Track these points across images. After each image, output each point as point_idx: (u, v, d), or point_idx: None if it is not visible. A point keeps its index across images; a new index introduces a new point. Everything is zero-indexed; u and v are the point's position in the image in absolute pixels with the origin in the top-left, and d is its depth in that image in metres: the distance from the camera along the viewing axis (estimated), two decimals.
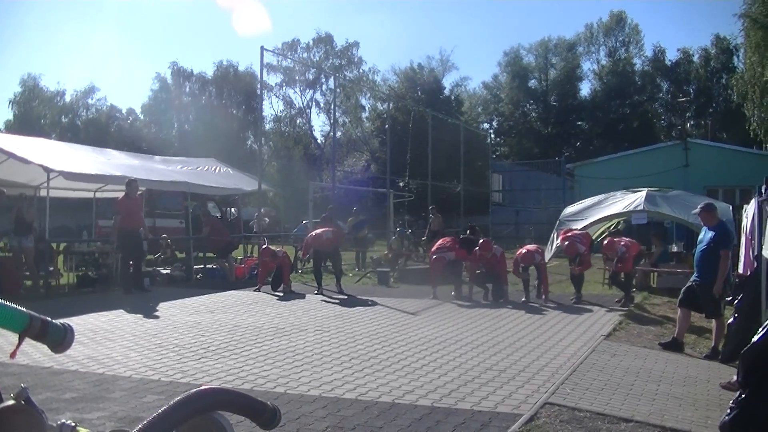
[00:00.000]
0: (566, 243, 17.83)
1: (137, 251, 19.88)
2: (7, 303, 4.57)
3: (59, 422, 5.55)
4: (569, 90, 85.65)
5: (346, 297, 18.42)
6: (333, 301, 17.70)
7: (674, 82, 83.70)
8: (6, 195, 18.96)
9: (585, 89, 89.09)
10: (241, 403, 5.49)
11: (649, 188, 21.98)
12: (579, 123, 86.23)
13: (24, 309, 4.69)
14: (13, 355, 4.96)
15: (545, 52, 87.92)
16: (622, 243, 17.83)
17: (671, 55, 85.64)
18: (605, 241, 18.49)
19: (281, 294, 19.07)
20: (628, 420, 7.40)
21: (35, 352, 10.19)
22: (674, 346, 11.92)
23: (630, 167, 38.83)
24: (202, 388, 5.21)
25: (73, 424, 5.58)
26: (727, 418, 6.69)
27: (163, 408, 4.77)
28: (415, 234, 35.35)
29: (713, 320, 12.03)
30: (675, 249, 24.46)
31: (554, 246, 20.65)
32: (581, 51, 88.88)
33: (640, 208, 20.40)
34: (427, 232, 31.84)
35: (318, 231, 19.97)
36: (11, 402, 5.18)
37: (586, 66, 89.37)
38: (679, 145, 41.33)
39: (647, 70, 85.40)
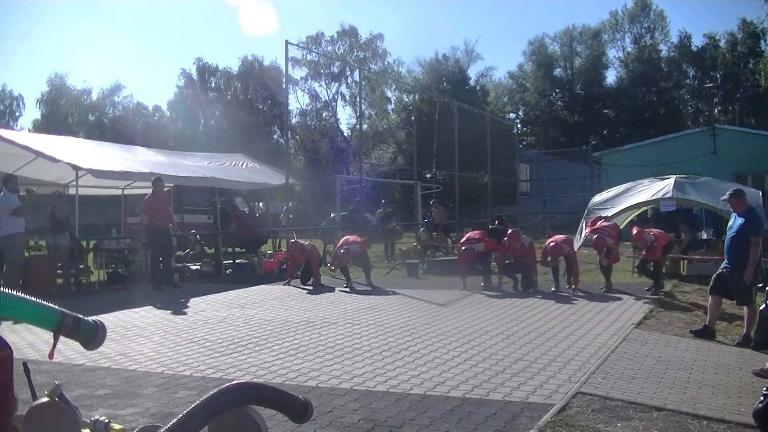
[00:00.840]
0: (594, 237, 17.71)
1: (166, 248, 19.97)
2: (40, 301, 4.61)
3: (93, 419, 5.58)
4: (595, 78, 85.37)
5: (374, 289, 18.42)
6: (362, 294, 17.70)
7: (701, 68, 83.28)
8: (35, 193, 19.08)
9: (611, 77, 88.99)
10: (272, 397, 5.49)
11: (677, 175, 21.86)
12: (605, 111, 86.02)
13: (56, 306, 4.73)
14: (51, 355, 5.00)
15: (570, 41, 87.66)
16: (652, 233, 17.72)
17: (697, 41, 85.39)
18: (635, 231, 18.37)
19: (310, 288, 19.10)
20: (660, 409, 7.38)
21: (68, 350, 10.24)
22: (705, 333, 11.87)
23: (657, 155, 38.60)
24: (234, 382, 5.22)
25: (106, 421, 5.62)
26: (760, 405, 6.66)
27: (195, 403, 4.79)
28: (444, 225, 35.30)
29: (744, 307, 11.97)
30: (704, 236, 24.34)
31: (583, 235, 20.57)
32: (606, 38, 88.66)
33: (669, 195, 20.29)
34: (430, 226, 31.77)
35: (346, 246, 19.74)
36: (46, 399, 5.22)
37: (612, 53, 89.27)
38: (707, 132, 41.04)
39: (673, 56, 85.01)
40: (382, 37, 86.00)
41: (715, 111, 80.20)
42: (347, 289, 18.56)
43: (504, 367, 9.19)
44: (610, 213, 20.61)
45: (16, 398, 4.83)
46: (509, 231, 19.07)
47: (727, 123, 59.70)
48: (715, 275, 12.38)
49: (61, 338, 4.81)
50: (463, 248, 18.55)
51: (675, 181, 20.82)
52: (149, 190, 20.16)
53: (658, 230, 18.41)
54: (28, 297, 4.54)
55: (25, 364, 5.40)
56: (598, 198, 22.93)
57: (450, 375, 8.78)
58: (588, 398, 7.70)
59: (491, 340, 11.10)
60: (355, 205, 30.24)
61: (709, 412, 7.35)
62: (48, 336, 4.19)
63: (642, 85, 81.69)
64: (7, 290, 4.46)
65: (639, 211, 22.94)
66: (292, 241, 21.10)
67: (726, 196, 12.29)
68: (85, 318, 4.92)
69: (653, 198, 20.82)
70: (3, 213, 17.56)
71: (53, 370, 9.21)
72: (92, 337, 4.95)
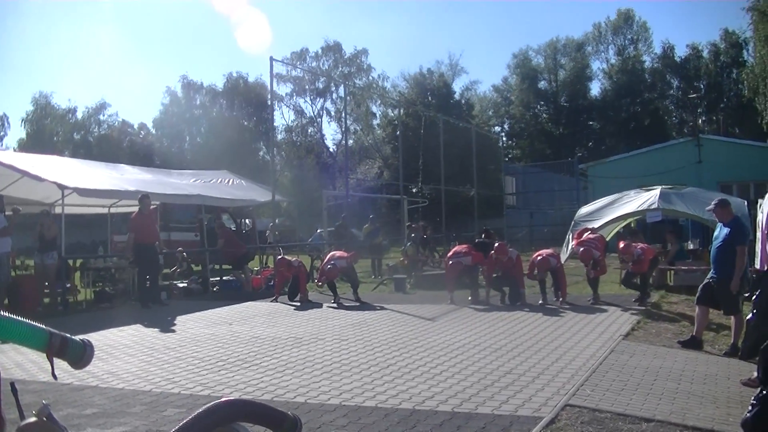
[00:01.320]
0: (581, 249, 17.74)
1: (153, 265, 19.94)
2: (27, 321, 4.61)
3: None
4: (579, 90, 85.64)
5: (362, 305, 18.42)
6: (350, 309, 17.70)
7: (684, 79, 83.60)
8: (21, 213, 19.04)
9: (595, 89, 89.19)
10: (261, 414, 5.50)
11: (663, 186, 21.91)
12: (590, 123, 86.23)
13: (43, 326, 4.73)
14: (54, 375, 5.00)
15: (554, 53, 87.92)
16: (639, 247, 17.78)
17: (680, 51, 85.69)
18: (622, 245, 18.37)
19: (298, 304, 19.08)
20: (650, 420, 7.39)
21: (55, 369, 10.20)
22: (693, 344, 11.89)
23: (643, 165, 38.76)
24: (223, 399, 5.23)
25: None
26: (748, 414, 6.67)
27: (184, 421, 4.79)
28: (430, 239, 35.27)
29: (732, 317, 11.99)
30: (691, 246, 24.39)
31: (570, 248, 20.60)
32: (590, 50, 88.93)
33: (655, 206, 20.33)
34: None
35: (333, 261, 19.66)
36: (33, 419, 5.21)
37: (596, 65, 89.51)
38: (692, 142, 41.19)
39: (657, 67, 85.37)
40: (367, 53, 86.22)
41: (700, 121, 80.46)
42: (335, 305, 18.54)
43: (493, 380, 9.20)
44: (596, 224, 20.65)
45: (3, 418, 4.82)
46: (496, 244, 19.02)
47: (712, 133, 59.96)
48: (702, 285, 12.41)
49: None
50: (450, 262, 18.60)
51: (661, 192, 20.86)
52: (136, 209, 20.17)
53: (645, 244, 18.54)
54: (15, 317, 4.54)
55: (12, 384, 5.39)
56: (584, 210, 22.97)
57: (439, 389, 8.79)
58: (577, 410, 7.71)
59: (479, 354, 11.11)
60: (341, 221, 30.28)
61: (698, 422, 7.37)
62: (36, 356, 4.20)
63: (626, 96, 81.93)
64: None
65: (624, 223, 22.99)
66: (279, 257, 21.11)
67: (711, 206, 12.33)
68: (73, 337, 4.92)
69: (639, 209, 20.87)
70: None
71: (41, 390, 9.20)
72: (80, 356, 4.95)
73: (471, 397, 8.35)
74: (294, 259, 21.25)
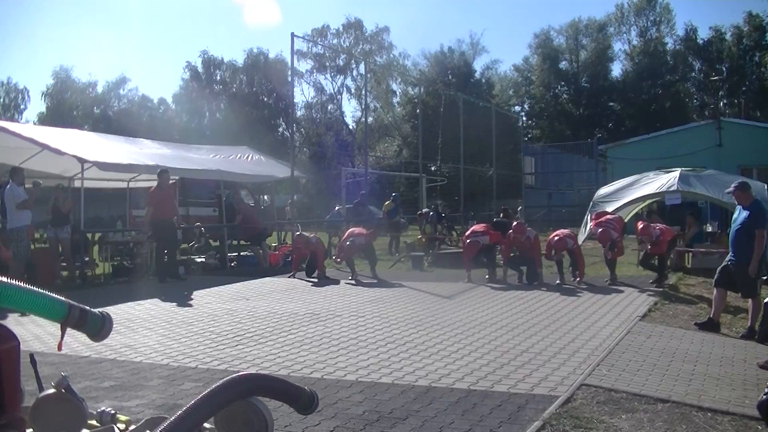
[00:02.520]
0: (600, 230, 17.68)
1: (171, 240, 19.98)
2: (47, 293, 4.63)
3: (99, 410, 5.62)
4: (600, 71, 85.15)
5: (380, 282, 18.44)
6: (367, 286, 17.71)
7: (706, 61, 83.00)
8: (42, 186, 19.10)
9: (616, 70, 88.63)
10: (278, 389, 5.52)
11: (683, 168, 21.82)
12: (611, 104, 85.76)
13: (63, 298, 4.75)
14: (60, 346, 5.03)
15: (576, 34, 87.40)
16: (657, 228, 17.72)
17: (703, 34, 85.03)
18: (641, 225, 18.27)
19: (315, 280, 19.09)
20: (665, 401, 7.39)
21: (73, 342, 10.23)
22: (710, 326, 11.88)
23: (662, 148, 38.55)
24: (240, 374, 5.25)
25: (112, 412, 5.66)
26: (764, 397, 6.67)
27: (201, 394, 4.81)
28: (448, 218, 35.18)
29: (749, 300, 11.98)
30: (709, 229, 24.30)
31: (588, 228, 20.55)
32: (612, 31, 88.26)
33: (674, 188, 20.25)
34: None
35: (351, 238, 19.63)
36: (52, 390, 5.25)
37: (617, 47, 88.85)
38: (712, 125, 40.93)
39: (679, 49, 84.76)
40: (388, 30, 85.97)
41: (721, 104, 79.96)
42: (352, 282, 18.52)
43: (509, 359, 9.21)
44: (615, 206, 20.60)
45: (22, 390, 4.85)
46: (514, 223, 19.08)
47: (733, 116, 59.71)
48: (720, 268, 12.39)
49: (68, 330, 4.84)
50: (468, 241, 18.58)
51: (680, 174, 20.77)
52: (155, 183, 20.19)
53: (664, 225, 18.41)
54: (35, 289, 4.57)
55: (32, 356, 5.43)
56: (603, 191, 22.90)
57: (455, 367, 8.80)
58: (593, 390, 7.71)
59: (496, 332, 11.12)
60: (360, 198, 30.26)
61: (714, 404, 7.37)
62: (54, 328, 4.22)
63: (648, 79, 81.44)
64: (14, 282, 4.48)
65: (643, 204, 22.93)
66: (297, 233, 21.09)
67: (731, 188, 12.29)
68: (92, 310, 4.94)
69: (659, 191, 20.79)
70: (10, 206, 17.59)
71: (59, 362, 9.23)
72: (99, 328, 4.98)
73: (487, 375, 8.36)
74: (312, 235, 21.25)
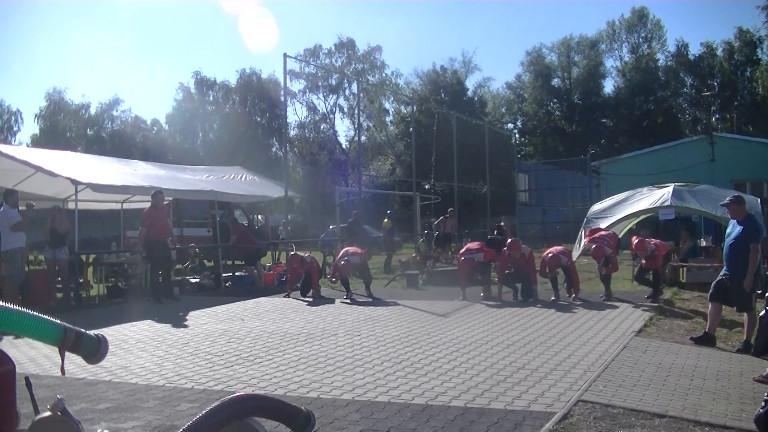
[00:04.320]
0: (594, 246, 17.71)
1: (165, 260, 19.97)
2: (43, 316, 4.63)
3: None
4: (593, 88, 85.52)
5: (374, 300, 18.42)
6: (362, 305, 17.70)
7: (698, 77, 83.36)
8: (35, 208, 19.08)
9: (608, 86, 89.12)
10: (275, 409, 5.51)
11: (676, 183, 21.87)
12: (603, 120, 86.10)
13: (58, 321, 4.75)
14: (62, 370, 5.02)
15: (568, 51, 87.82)
16: (653, 242, 17.79)
17: (694, 50, 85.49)
18: (635, 241, 18.29)
19: (311, 299, 19.09)
20: (662, 415, 7.40)
21: (69, 364, 10.15)
22: (706, 340, 11.89)
23: (656, 163, 38.74)
24: (237, 394, 5.24)
25: None
26: (761, 411, 6.66)
27: (198, 415, 4.81)
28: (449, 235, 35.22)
29: (744, 314, 11.99)
30: (704, 243, 24.38)
31: (582, 245, 20.57)
32: (604, 48, 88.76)
33: (668, 203, 20.29)
34: (440, 233, 31.65)
35: (346, 257, 19.82)
36: (48, 413, 5.24)
37: (609, 63, 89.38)
38: (705, 140, 41.10)
39: (671, 65, 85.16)
40: (380, 49, 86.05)
41: (713, 119, 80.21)
42: (347, 301, 18.53)
43: (505, 376, 9.21)
44: (609, 222, 20.64)
45: (18, 413, 4.84)
46: (509, 240, 19.08)
47: (725, 131, 59.87)
48: (714, 282, 12.41)
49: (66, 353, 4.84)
50: (463, 258, 18.57)
51: (674, 189, 20.82)
52: (148, 204, 20.20)
53: (658, 240, 18.53)
54: (30, 312, 4.57)
55: (27, 379, 5.41)
56: (597, 207, 22.93)
57: (451, 385, 8.80)
58: (590, 406, 7.72)
59: (492, 350, 11.12)
60: (353, 217, 30.27)
61: (711, 418, 7.37)
62: (49, 350, 4.22)
63: (640, 94, 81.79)
64: (9, 305, 4.47)
65: (638, 220, 22.96)
66: (292, 253, 21.09)
67: (726, 201, 12.32)
68: (88, 332, 4.94)
69: (652, 206, 20.83)
70: (4, 228, 17.59)
71: (54, 385, 9.23)
72: (95, 351, 4.98)
73: (484, 393, 8.36)
74: (306, 255, 21.26)
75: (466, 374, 9.38)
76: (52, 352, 4.70)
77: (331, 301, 18.70)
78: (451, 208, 33.18)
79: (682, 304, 16.63)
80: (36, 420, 5.42)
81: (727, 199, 12.43)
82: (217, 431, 5.08)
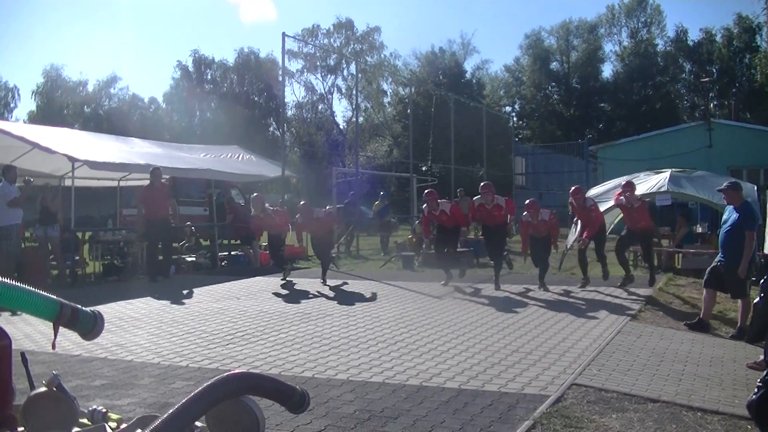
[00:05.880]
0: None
1: (165, 239, 19.95)
2: (40, 291, 4.64)
3: (90, 408, 5.63)
4: (591, 72, 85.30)
5: (370, 281, 18.37)
6: (358, 286, 17.67)
7: (697, 63, 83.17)
8: (32, 184, 19.04)
9: (607, 71, 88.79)
10: (270, 388, 5.53)
11: (673, 169, 21.86)
12: (601, 105, 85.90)
13: (55, 297, 4.76)
14: (53, 345, 5.04)
15: (566, 35, 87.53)
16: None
17: (693, 35, 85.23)
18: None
19: (305, 279, 19.05)
20: (655, 400, 7.43)
21: (64, 340, 10.20)
22: (700, 326, 11.92)
23: (653, 148, 38.68)
24: (231, 372, 5.26)
25: (104, 410, 5.66)
26: (754, 397, 6.68)
27: (193, 393, 4.81)
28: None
29: (739, 300, 12.02)
30: (699, 230, 24.39)
31: (577, 229, 20.50)
32: (603, 33, 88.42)
33: (664, 189, 20.28)
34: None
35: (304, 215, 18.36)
36: (44, 389, 5.26)
37: (608, 48, 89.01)
38: (703, 126, 41.02)
39: (669, 50, 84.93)
40: (379, 30, 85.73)
41: (711, 105, 79.95)
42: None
43: (499, 358, 9.24)
44: (605, 206, 20.62)
45: (14, 388, 4.85)
46: (526, 202, 16.65)
47: (723, 117, 59.74)
48: (709, 268, 12.43)
49: (60, 329, 4.85)
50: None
51: (670, 175, 20.79)
52: (146, 182, 20.16)
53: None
54: (27, 287, 4.58)
55: (23, 354, 5.43)
56: (594, 191, 22.83)
57: (446, 366, 8.83)
58: (583, 390, 7.74)
59: (486, 332, 11.15)
60: (350, 198, 30.26)
61: (704, 403, 7.41)
62: (44, 327, 4.24)
63: (638, 80, 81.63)
64: (6, 280, 4.48)
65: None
66: (256, 195, 20.36)
67: (724, 186, 12.32)
68: (84, 308, 4.95)
69: (649, 191, 20.81)
70: (1, 204, 17.57)
71: (50, 361, 9.24)
72: (90, 327, 4.99)
73: (478, 375, 8.38)
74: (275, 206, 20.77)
75: (460, 356, 9.41)
76: (48, 328, 4.71)
77: (326, 281, 18.67)
78: (461, 188, 33.03)
79: (676, 290, 16.61)
80: (31, 395, 5.43)
81: (724, 184, 12.43)
82: (211, 409, 5.10)
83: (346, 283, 17.87)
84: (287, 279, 18.47)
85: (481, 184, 17.49)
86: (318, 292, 16.62)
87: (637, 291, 15.68)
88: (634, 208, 16.49)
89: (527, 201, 16.67)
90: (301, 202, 19.19)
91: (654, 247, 19.97)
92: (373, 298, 15.35)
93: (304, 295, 16.23)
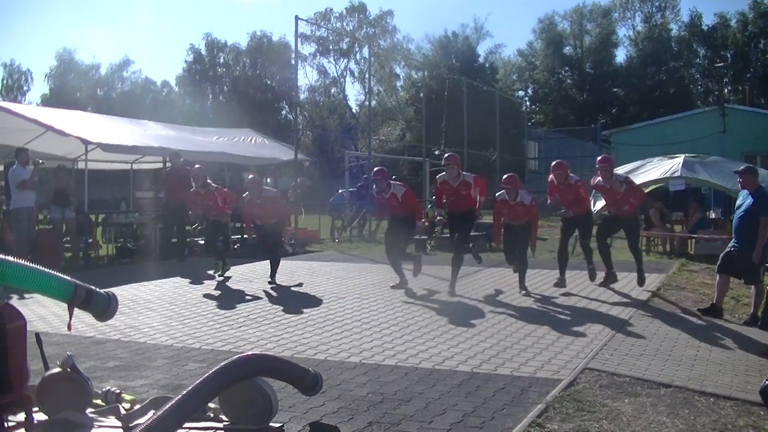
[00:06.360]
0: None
1: (179, 222, 19.97)
2: (55, 273, 4.66)
3: (104, 389, 5.66)
4: (604, 57, 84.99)
5: (383, 265, 17.92)
6: (370, 269, 17.67)
7: (711, 48, 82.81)
8: (43, 166, 19.02)
9: (620, 56, 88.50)
10: (283, 370, 5.55)
11: (687, 154, 21.81)
12: (614, 90, 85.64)
13: (69, 278, 4.78)
14: (69, 326, 5.06)
15: (580, 19, 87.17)
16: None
17: (708, 20, 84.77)
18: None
19: (319, 263, 19.06)
20: (668, 385, 7.41)
21: (78, 322, 10.19)
22: (713, 312, 11.88)
23: (666, 134, 38.50)
24: (245, 354, 5.27)
25: (117, 391, 5.70)
26: (767, 382, 6.68)
27: (206, 374, 4.83)
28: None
29: (752, 286, 11.98)
30: (713, 215, 24.35)
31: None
32: (616, 17, 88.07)
33: (678, 174, 20.25)
34: None
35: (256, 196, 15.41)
36: (58, 370, 5.28)
37: (622, 32, 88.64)
38: (716, 111, 40.83)
39: (683, 35, 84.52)
40: (392, 14, 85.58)
41: (725, 91, 79.79)
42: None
43: (512, 342, 9.25)
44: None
45: (28, 369, 4.88)
46: (553, 163, 14.58)
47: (737, 103, 59.49)
48: (723, 254, 12.37)
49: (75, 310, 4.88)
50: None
51: (684, 160, 20.78)
52: (158, 165, 20.18)
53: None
54: (42, 268, 4.60)
55: (37, 335, 5.46)
56: None
57: (458, 350, 8.84)
58: (596, 374, 7.74)
59: (499, 316, 11.16)
60: (363, 182, 30.25)
61: (717, 389, 7.39)
62: (58, 308, 4.26)
63: (652, 65, 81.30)
64: (22, 262, 4.51)
65: (648, 190, 22.89)
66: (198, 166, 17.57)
67: (740, 169, 12.26)
68: (98, 290, 4.98)
69: (662, 177, 20.79)
70: (13, 187, 17.61)
71: (63, 342, 9.27)
72: (104, 308, 5.03)
73: (490, 359, 8.39)
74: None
75: (472, 339, 9.42)
76: (62, 310, 4.74)
77: (339, 262, 18.66)
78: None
79: (689, 275, 16.58)
80: (46, 375, 5.47)
81: (742, 167, 12.39)
82: (226, 389, 5.12)
83: (301, 284, 15.41)
84: (224, 276, 16.30)
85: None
86: (328, 276, 16.60)
87: (649, 276, 15.59)
88: (614, 190, 14.10)
89: (505, 176, 14.30)
90: (250, 176, 16.49)
91: (667, 233, 19.93)
92: (386, 281, 15.32)
93: (317, 278, 16.24)
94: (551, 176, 14.49)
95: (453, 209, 14.61)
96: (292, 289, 14.54)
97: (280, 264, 15.65)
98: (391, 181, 14.59)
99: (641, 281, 14.22)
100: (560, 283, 14.28)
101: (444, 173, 14.42)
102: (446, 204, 14.79)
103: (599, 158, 14.74)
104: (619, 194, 14.03)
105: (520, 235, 13.96)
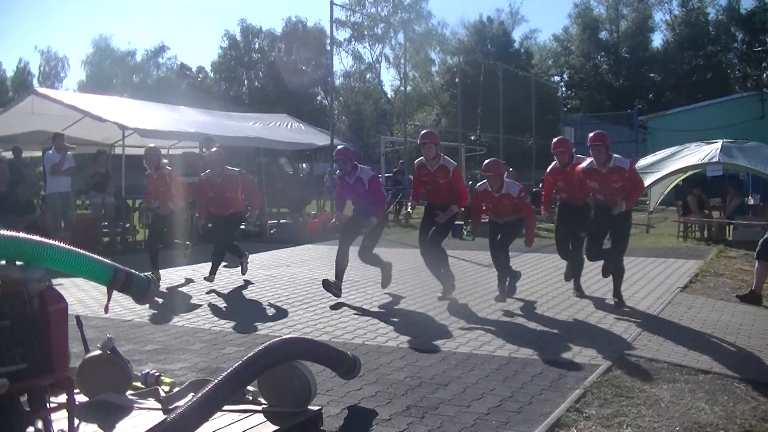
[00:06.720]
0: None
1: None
2: (95, 256, 4.70)
3: (143, 372, 5.70)
4: (641, 41, 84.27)
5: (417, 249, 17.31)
6: (406, 254, 17.63)
7: (749, 32, 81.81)
8: (74, 151, 19.03)
9: (657, 40, 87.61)
10: (321, 353, 5.57)
11: (724, 140, 21.65)
12: (651, 75, 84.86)
13: (109, 261, 4.82)
14: (106, 309, 5.10)
15: (616, 3, 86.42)
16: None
17: (746, 4, 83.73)
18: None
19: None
20: (707, 372, 7.36)
21: (116, 306, 10.28)
22: (752, 298, 11.79)
23: (703, 119, 38.23)
24: (284, 337, 5.29)
25: (157, 374, 5.74)
26: None
27: (245, 357, 4.85)
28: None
29: None
30: (751, 201, 24.18)
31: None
32: (653, 1, 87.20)
33: (716, 159, 20.11)
34: None
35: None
36: (98, 352, 5.32)
37: (658, 17, 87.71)
38: (755, 96, 40.53)
39: (721, 19, 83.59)
40: None
41: (764, 75, 79.04)
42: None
43: (549, 327, 9.25)
44: (655, 177, 20.49)
45: (68, 351, 4.91)
46: (487, 161, 12.17)
47: None
48: (762, 240, 12.26)
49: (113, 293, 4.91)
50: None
51: (722, 146, 20.61)
52: (195, 150, 20.21)
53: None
54: (83, 252, 4.64)
55: (78, 318, 5.50)
56: (644, 162, 22.69)
57: (495, 334, 8.84)
58: (634, 359, 7.71)
59: (536, 302, 11.15)
60: (399, 167, 30.26)
61: (757, 376, 7.35)
62: (97, 292, 4.28)
63: (689, 49, 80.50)
64: (63, 245, 4.54)
65: (685, 176, 22.76)
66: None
67: None
68: (137, 273, 5.01)
69: (700, 162, 20.65)
70: (48, 171, 17.73)
71: (102, 326, 9.34)
72: (144, 291, 5.06)
73: (528, 343, 8.38)
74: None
75: (510, 324, 9.42)
76: (100, 294, 4.76)
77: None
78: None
79: (728, 261, 16.47)
80: (87, 358, 5.52)
81: None
82: (263, 373, 5.14)
83: (250, 284, 13.81)
84: (160, 278, 13.91)
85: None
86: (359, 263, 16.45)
87: (687, 262, 15.53)
88: (610, 177, 11.50)
89: (486, 161, 12.16)
90: (213, 148, 14.92)
91: (705, 219, 19.77)
92: (422, 266, 15.28)
93: (353, 262, 16.21)
94: (557, 158, 12.83)
95: (431, 200, 12.45)
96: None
97: (317, 248, 15.56)
98: (359, 164, 12.19)
99: (619, 304, 10.87)
100: (578, 293, 11.92)
101: (424, 156, 12.21)
102: (423, 195, 12.58)
103: (591, 135, 11.84)
104: (618, 182, 11.33)
105: (504, 234, 11.97)
